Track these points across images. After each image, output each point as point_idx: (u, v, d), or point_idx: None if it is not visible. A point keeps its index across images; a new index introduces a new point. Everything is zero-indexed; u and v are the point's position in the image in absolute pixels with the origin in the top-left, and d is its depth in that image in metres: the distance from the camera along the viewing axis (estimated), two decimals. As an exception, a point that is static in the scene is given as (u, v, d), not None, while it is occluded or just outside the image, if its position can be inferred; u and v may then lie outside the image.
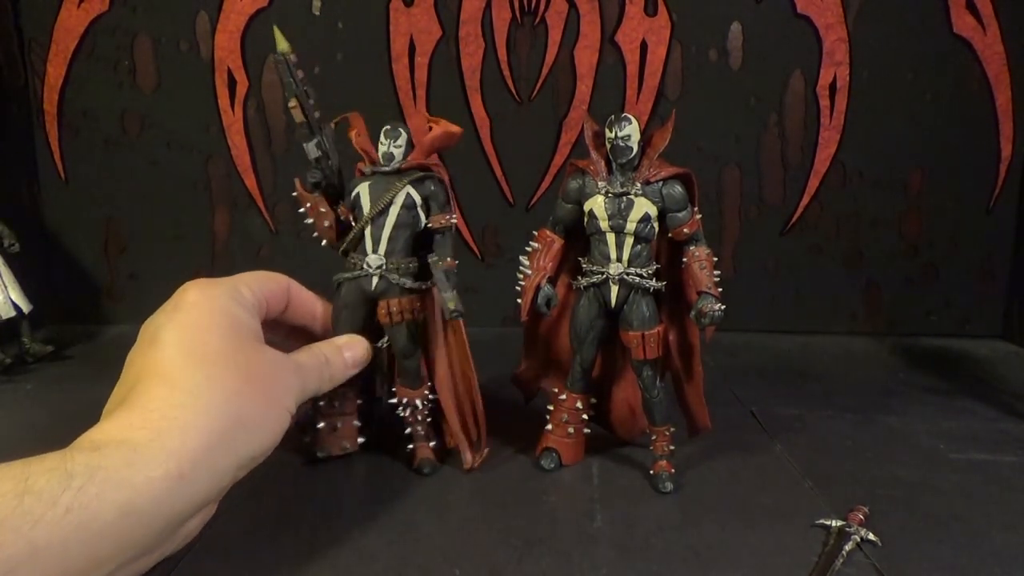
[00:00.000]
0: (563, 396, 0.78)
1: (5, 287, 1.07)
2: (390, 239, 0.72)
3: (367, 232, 0.72)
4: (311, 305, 0.68)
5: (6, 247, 1.08)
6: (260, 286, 0.56)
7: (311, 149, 0.71)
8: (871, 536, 0.62)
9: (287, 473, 0.75)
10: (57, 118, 1.28)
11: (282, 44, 0.66)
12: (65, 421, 0.88)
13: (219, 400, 0.42)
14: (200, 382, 0.42)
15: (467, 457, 0.75)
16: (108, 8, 1.24)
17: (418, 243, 0.74)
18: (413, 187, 0.72)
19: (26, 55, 1.26)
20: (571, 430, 0.77)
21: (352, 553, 0.60)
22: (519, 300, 0.74)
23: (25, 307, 1.08)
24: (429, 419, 0.77)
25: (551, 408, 0.79)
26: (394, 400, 0.77)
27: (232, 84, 1.27)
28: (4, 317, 1.06)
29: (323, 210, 0.73)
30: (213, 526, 0.52)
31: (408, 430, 0.76)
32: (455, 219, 0.74)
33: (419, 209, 0.72)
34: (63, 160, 1.29)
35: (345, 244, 0.73)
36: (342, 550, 0.61)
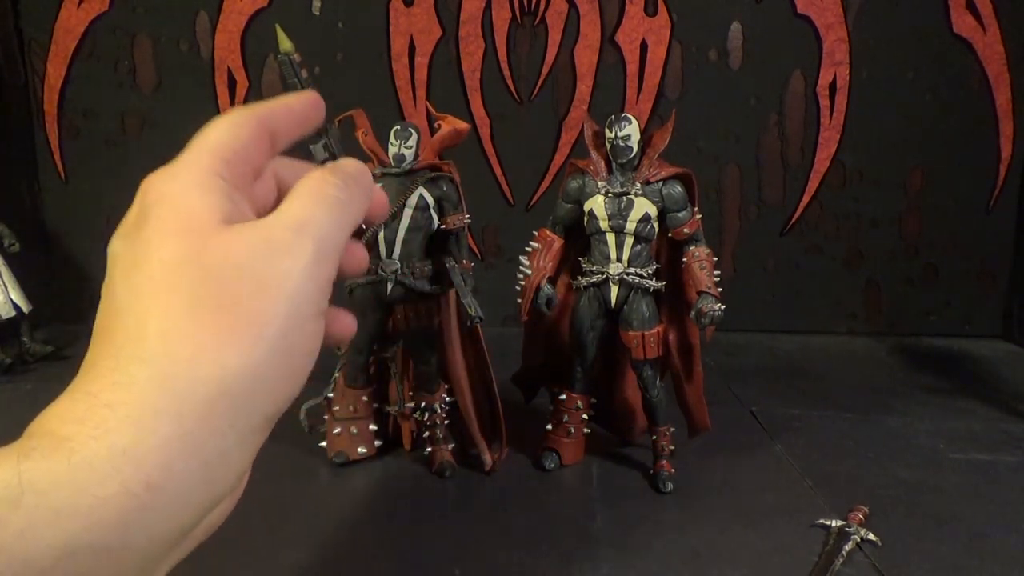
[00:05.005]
0: (563, 396, 0.78)
1: (5, 287, 1.07)
2: (404, 242, 0.71)
3: (381, 236, 0.71)
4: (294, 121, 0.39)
5: (6, 247, 1.08)
6: (234, 148, 0.34)
7: (318, 151, 0.69)
8: (871, 536, 0.62)
9: (301, 477, 0.75)
10: (57, 118, 1.28)
11: (285, 44, 0.65)
12: (65, 421, 0.88)
13: (188, 352, 0.26)
14: (155, 331, 0.26)
15: (487, 459, 0.75)
16: (108, 8, 1.24)
17: (431, 244, 0.74)
18: (426, 188, 0.72)
19: (26, 55, 1.26)
20: (571, 430, 0.77)
21: (354, 553, 0.60)
22: (519, 300, 0.74)
23: (25, 307, 1.08)
24: (447, 422, 0.77)
25: (551, 408, 0.79)
26: (411, 404, 0.77)
27: (232, 84, 1.27)
28: (4, 317, 1.06)
29: None
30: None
31: (426, 434, 0.76)
32: (469, 219, 0.74)
33: (432, 211, 0.72)
34: (63, 160, 1.29)
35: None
36: (345, 550, 0.61)
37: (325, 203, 0.31)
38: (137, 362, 0.26)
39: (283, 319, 0.28)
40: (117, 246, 0.30)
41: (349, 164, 0.36)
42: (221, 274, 0.27)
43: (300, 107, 0.37)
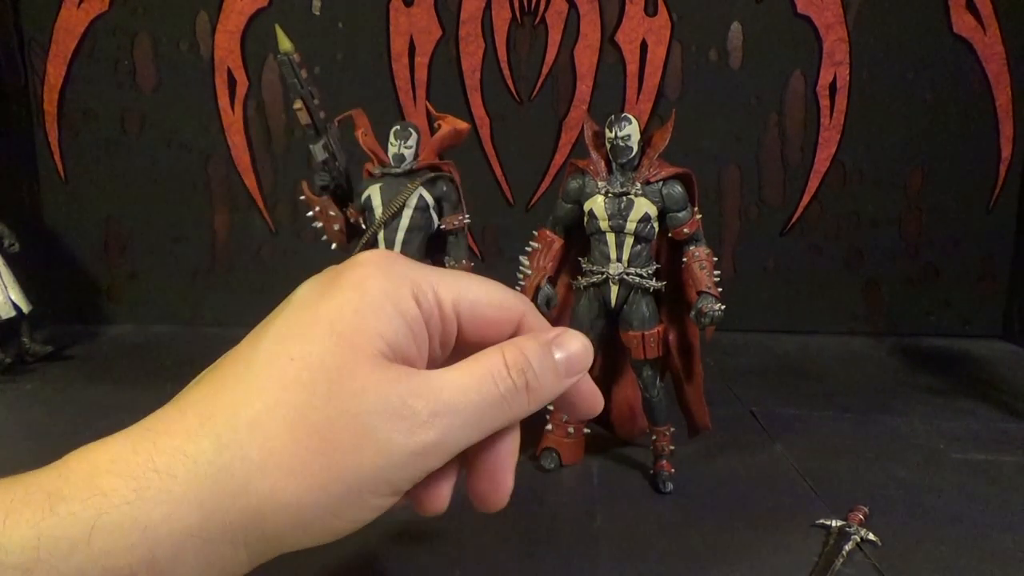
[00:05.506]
0: (563, 396, 0.77)
1: (5, 287, 1.07)
2: (404, 242, 0.71)
3: (380, 236, 0.71)
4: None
5: (6, 247, 1.08)
6: (466, 301, 0.32)
7: (318, 151, 0.69)
8: (871, 536, 0.62)
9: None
10: (57, 118, 1.28)
11: (285, 44, 0.65)
12: (65, 421, 0.89)
13: (258, 460, 0.26)
14: (249, 419, 0.26)
15: None
16: (108, 8, 1.24)
17: (431, 245, 0.74)
18: (425, 188, 0.72)
19: (26, 55, 1.26)
20: (571, 430, 0.77)
21: (353, 553, 0.60)
22: (519, 300, 0.74)
23: (25, 307, 1.08)
24: None
25: (551, 408, 0.79)
26: None
27: (232, 84, 1.27)
28: (4, 317, 1.06)
29: (332, 213, 0.72)
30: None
31: None
32: (468, 219, 0.74)
33: (432, 211, 0.72)
34: (63, 160, 1.29)
35: (358, 249, 0.73)
36: (343, 550, 0.61)
37: (482, 400, 0.29)
38: (212, 441, 0.26)
39: (357, 484, 0.27)
40: (304, 292, 0.30)
41: (568, 347, 0.31)
42: (337, 414, 0.27)
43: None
